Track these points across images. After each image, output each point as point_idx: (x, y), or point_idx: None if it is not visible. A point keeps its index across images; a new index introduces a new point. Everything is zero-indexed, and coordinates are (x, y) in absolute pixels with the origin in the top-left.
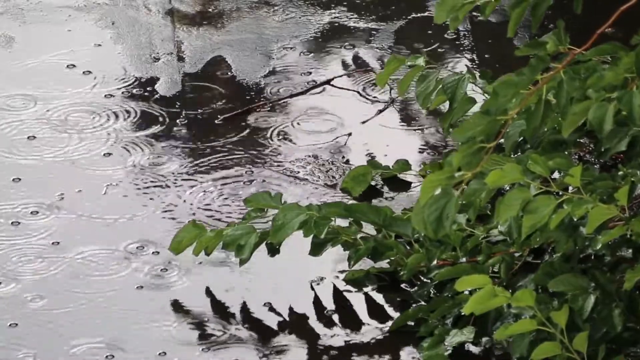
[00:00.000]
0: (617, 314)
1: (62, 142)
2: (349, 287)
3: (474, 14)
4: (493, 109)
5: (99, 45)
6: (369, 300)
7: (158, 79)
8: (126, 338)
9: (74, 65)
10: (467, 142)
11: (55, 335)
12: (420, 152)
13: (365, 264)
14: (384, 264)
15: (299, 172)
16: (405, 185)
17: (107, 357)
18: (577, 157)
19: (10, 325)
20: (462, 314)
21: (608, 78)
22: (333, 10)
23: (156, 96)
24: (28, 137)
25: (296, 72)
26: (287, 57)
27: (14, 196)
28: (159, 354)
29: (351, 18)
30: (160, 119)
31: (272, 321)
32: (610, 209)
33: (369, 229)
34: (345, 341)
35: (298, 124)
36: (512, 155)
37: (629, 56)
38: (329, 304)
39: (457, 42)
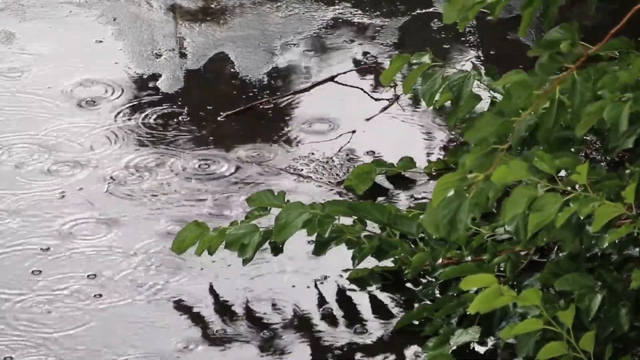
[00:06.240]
0: (624, 314)
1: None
2: (353, 286)
3: (480, 10)
4: (506, 110)
5: (101, 41)
6: (373, 299)
7: (160, 75)
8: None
9: (74, 63)
10: (480, 144)
11: None
12: (425, 149)
13: (370, 262)
14: (388, 262)
15: (302, 169)
16: (410, 183)
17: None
18: (583, 155)
19: None
20: (468, 313)
21: (622, 78)
22: (337, 7)
23: (158, 93)
24: None
25: (299, 68)
26: (290, 54)
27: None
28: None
29: (355, 14)
30: (162, 116)
31: (275, 320)
32: (617, 207)
33: (373, 227)
34: (349, 340)
35: (301, 121)
36: (518, 151)
37: None
38: (332, 302)
39: (462, 39)
